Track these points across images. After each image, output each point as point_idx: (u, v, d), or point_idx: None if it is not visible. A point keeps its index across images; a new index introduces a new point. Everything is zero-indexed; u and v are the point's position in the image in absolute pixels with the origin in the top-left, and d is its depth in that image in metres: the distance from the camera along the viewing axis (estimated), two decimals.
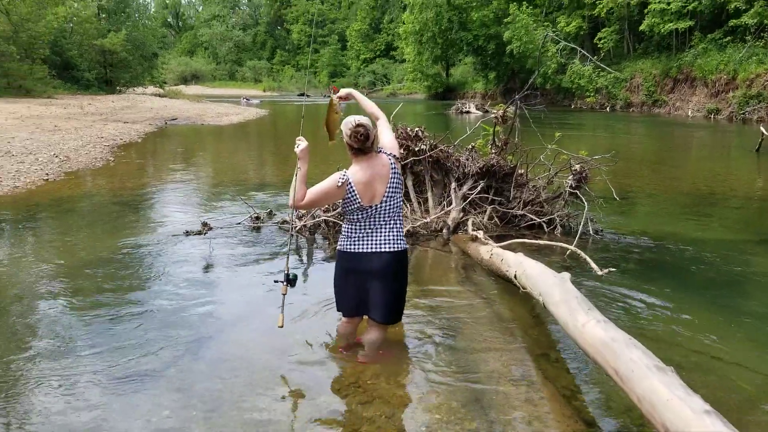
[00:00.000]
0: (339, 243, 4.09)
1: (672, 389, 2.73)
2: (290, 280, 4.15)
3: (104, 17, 56.08)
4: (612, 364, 3.17)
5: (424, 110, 42.13)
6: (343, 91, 4.35)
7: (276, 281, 4.35)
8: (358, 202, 3.87)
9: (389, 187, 3.91)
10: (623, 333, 3.34)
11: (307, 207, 4.38)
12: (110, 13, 57.06)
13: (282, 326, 4.08)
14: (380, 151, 4.00)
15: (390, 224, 3.95)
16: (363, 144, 3.85)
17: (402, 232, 4.04)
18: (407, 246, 4.08)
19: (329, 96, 4.31)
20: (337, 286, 4.15)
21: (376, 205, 3.90)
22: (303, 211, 7.83)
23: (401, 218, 4.04)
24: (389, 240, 3.93)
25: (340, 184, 3.85)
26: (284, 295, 4.15)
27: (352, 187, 3.85)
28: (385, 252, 3.93)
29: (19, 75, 36.39)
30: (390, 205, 3.93)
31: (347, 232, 4.02)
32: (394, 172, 3.94)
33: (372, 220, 3.93)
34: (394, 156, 4.00)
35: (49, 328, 4.79)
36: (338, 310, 4.25)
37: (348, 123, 3.88)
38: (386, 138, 4.10)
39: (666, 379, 2.82)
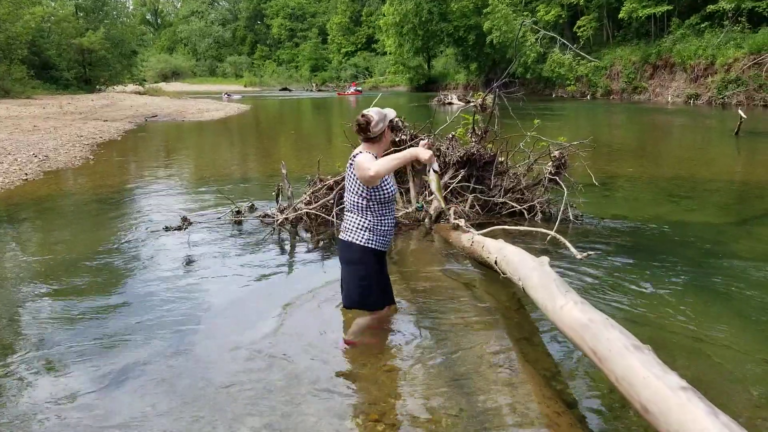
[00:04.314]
0: None
1: (648, 367, 2.75)
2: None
3: (82, 16, 55.54)
4: (590, 344, 3.20)
5: (407, 102, 42.08)
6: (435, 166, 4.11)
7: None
8: None
9: (347, 178, 4.09)
10: (601, 314, 3.36)
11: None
12: (88, 11, 56.55)
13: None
14: (367, 149, 4.00)
15: (348, 213, 4.10)
16: (361, 131, 4.00)
17: (350, 225, 4.05)
18: (353, 240, 4.01)
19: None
20: None
21: None
22: (285, 203, 7.81)
23: (354, 214, 4.04)
24: (342, 228, 4.14)
25: None
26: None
27: None
28: (338, 238, 4.18)
29: None
30: (348, 196, 4.08)
31: None
32: (349, 168, 4.03)
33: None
34: (352, 161, 3.97)
35: (33, 326, 4.76)
36: None
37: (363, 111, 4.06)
38: (379, 160, 3.92)
39: (643, 357, 2.84)
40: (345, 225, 4.09)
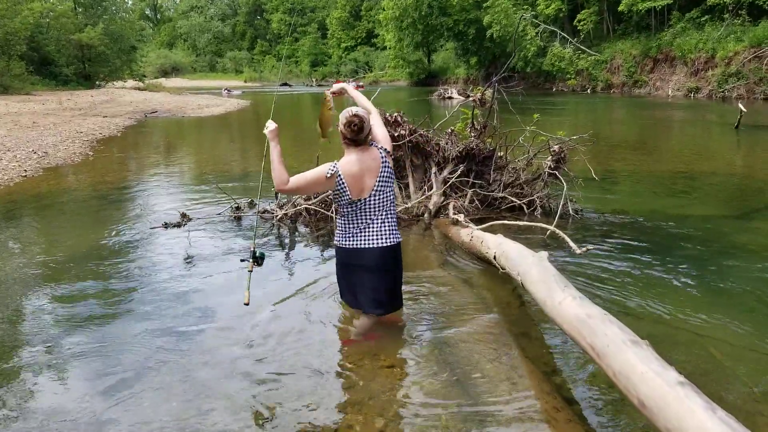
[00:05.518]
0: (335, 238, 4.11)
1: (646, 362, 2.75)
2: (257, 258, 4.16)
3: (81, 11, 55.50)
4: (588, 340, 3.19)
5: (407, 97, 42.01)
6: (335, 86, 4.44)
7: (242, 260, 4.33)
8: (348, 196, 3.86)
9: (378, 181, 3.89)
10: (599, 309, 3.36)
11: (292, 192, 4.37)
12: (87, 7, 56.54)
13: (248, 303, 3.97)
14: (372, 144, 3.98)
15: (381, 218, 3.94)
16: (357, 135, 3.84)
17: (394, 224, 4.03)
18: (400, 239, 4.09)
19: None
20: (338, 279, 4.26)
21: (365, 199, 3.90)
22: (284, 198, 7.81)
23: (393, 211, 4.03)
24: (380, 234, 3.94)
25: (329, 175, 3.82)
26: (251, 272, 4.12)
27: (341, 179, 3.84)
28: (376, 247, 3.94)
29: None
30: (379, 199, 3.91)
31: (341, 226, 4.02)
32: (385, 166, 3.91)
33: (362, 214, 3.93)
34: (386, 150, 3.99)
35: (32, 324, 4.76)
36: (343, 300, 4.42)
37: (345, 113, 3.87)
38: (379, 132, 4.07)
39: (641, 352, 2.84)
40: (385, 230, 3.95)
